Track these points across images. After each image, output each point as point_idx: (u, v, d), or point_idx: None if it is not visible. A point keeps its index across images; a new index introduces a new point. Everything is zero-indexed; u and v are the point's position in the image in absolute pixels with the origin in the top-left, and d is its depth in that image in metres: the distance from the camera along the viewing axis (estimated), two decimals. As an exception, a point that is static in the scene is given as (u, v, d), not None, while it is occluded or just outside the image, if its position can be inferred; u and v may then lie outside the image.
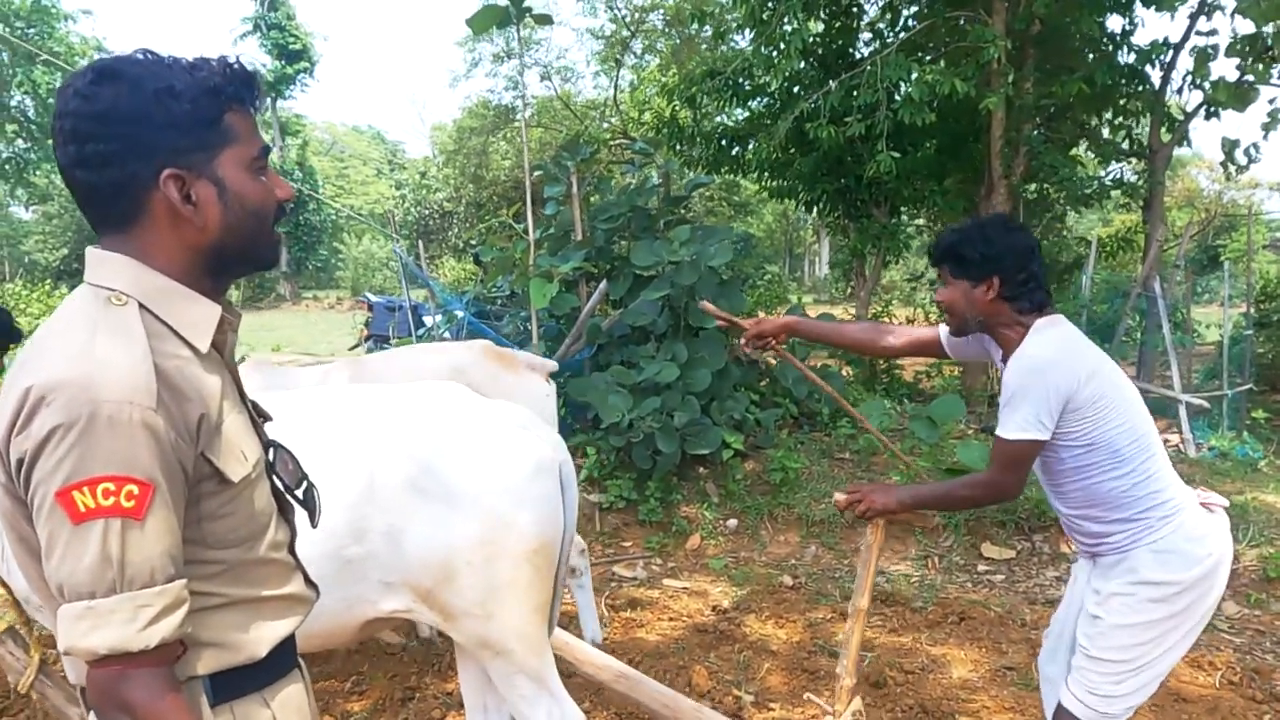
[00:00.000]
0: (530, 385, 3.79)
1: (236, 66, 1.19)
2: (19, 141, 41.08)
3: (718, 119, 9.24)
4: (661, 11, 13.39)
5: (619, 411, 5.53)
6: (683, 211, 7.27)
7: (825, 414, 6.75)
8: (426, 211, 26.09)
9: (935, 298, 2.48)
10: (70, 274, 34.58)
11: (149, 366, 1.08)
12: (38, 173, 38.66)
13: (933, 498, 2.53)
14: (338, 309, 31.29)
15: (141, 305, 1.15)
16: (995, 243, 2.28)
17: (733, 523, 5.72)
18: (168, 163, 1.14)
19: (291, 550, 1.37)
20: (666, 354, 5.90)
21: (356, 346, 12.80)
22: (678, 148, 8.95)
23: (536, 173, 6.93)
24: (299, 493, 1.42)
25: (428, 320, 7.26)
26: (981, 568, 5.21)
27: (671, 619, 4.60)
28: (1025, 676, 3.82)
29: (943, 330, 2.62)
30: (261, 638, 1.26)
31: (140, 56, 1.16)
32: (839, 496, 2.49)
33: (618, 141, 11.98)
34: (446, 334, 7.25)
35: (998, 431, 2.27)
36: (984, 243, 2.29)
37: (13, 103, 40.68)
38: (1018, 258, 2.28)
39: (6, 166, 41.43)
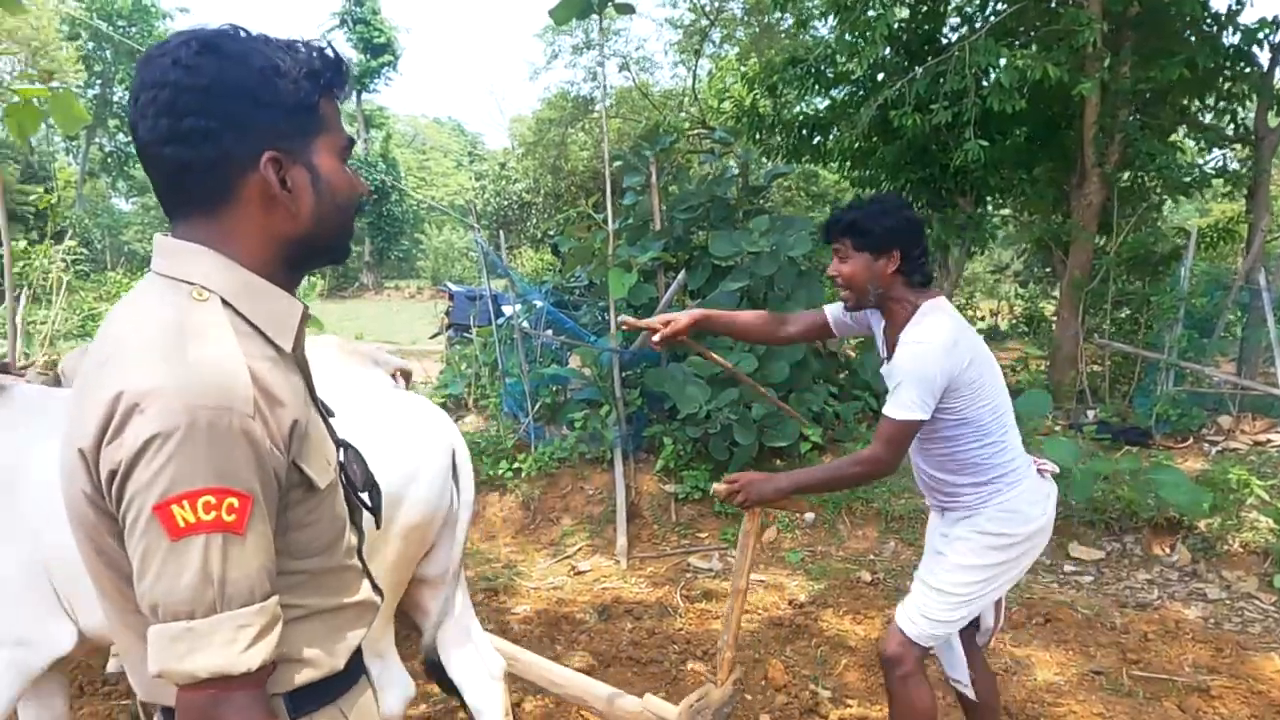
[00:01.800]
0: (379, 380, 3.80)
1: (330, 52, 1.14)
2: (120, 135, 42.95)
3: (798, 107, 9.11)
4: (741, 0, 13.28)
5: (696, 402, 5.52)
6: (761, 201, 7.19)
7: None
8: (505, 202, 26.41)
9: (832, 272, 2.54)
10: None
11: (244, 369, 1.01)
12: (138, 166, 40.31)
13: (815, 481, 2.64)
14: (418, 298, 31.92)
15: (224, 301, 1.08)
16: (896, 217, 2.43)
17: (810, 516, 5.65)
18: (269, 144, 1.08)
19: (360, 555, 1.30)
20: (744, 345, 5.85)
21: (437, 335, 13.01)
22: (757, 137, 8.86)
23: (616, 163, 6.94)
24: (365, 496, 1.36)
25: (507, 310, 7.33)
26: (1068, 568, 5.05)
27: (747, 611, 4.56)
28: (1115, 682, 3.70)
29: (830, 311, 2.77)
30: (340, 649, 1.21)
31: (238, 32, 1.10)
32: (718, 486, 2.55)
33: (696, 131, 11.92)
34: (525, 323, 7.33)
35: (885, 410, 2.41)
36: (886, 216, 2.43)
37: (115, 98, 42.54)
38: (915, 233, 2.45)
39: (109, 160, 43.37)
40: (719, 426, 5.48)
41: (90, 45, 38.05)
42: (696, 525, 5.67)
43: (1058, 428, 6.80)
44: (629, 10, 5.77)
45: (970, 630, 2.71)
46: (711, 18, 12.86)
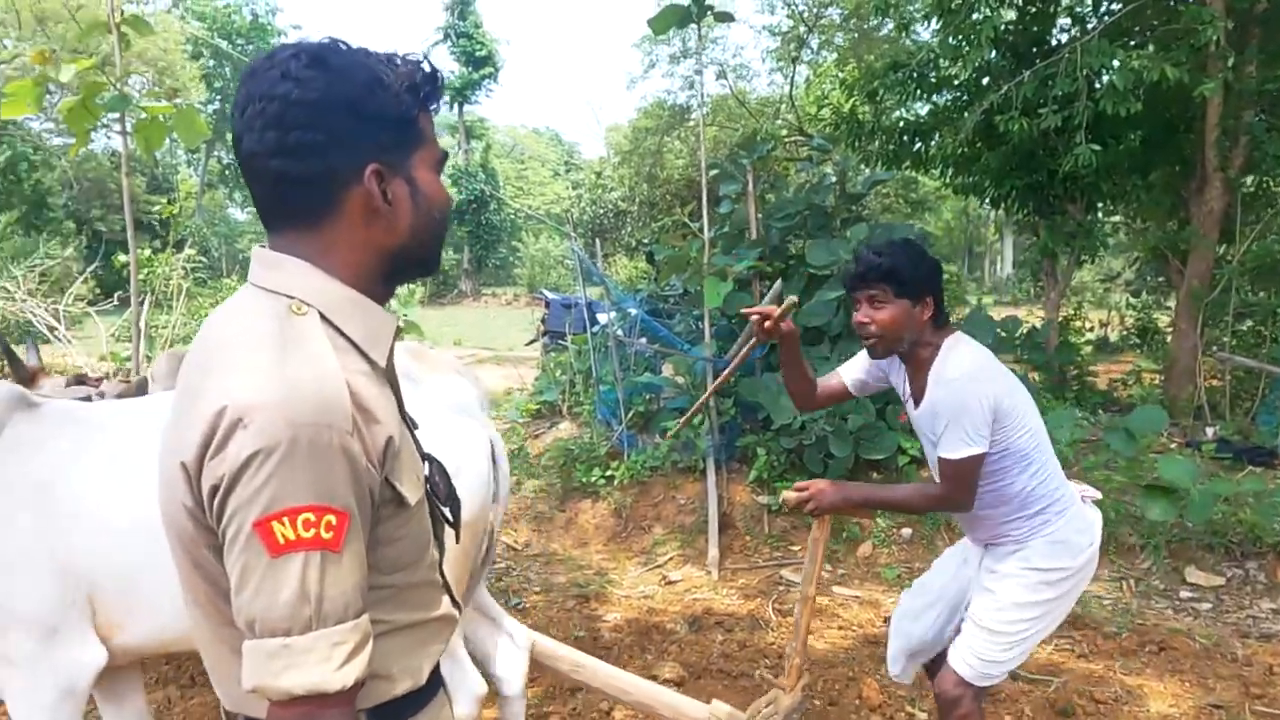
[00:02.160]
0: (458, 386, 3.81)
1: (428, 66, 1.15)
2: (238, 149, 44.87)
3: (898, 113, 8.92)
4: (839, 6, 13.09)
5: (790, 414, 5.45)
6: (859, 209, 7.07)
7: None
8: (601, 211, 26.67)
9: (863, 319, 2.40)
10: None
11: (343, 386, 1.02)
12: (252, 177, 42.07)
13: (887, 501, 2.64)
14: (515, 305, 32.48)
15: (322, 315, 1.08)
16: (929, 261, 2.42)
17: (907, 531, 5.52)
18: (372, 157, 1.09)
19: (440, 570, 1.30)
20: (842, 355, 5.75)
21: (533, 341, 13.21)
22: (856, 144, 8.70)
23: (712, 171, 6.92)
24: (447, 510, 1.36)
25: (602, 318, 7.39)
26: (1185, 594, 4.79)
27: (841, 627, 4.49)
28: (1235, 717, 3.49)
29: (844, 374, 2.71)
30: (422, 664, 1.21)
31: (343, 45, 1.11)
32: (788, 494, 2.52)
33: (793, 139, 11.81)
34: (620, 331, 7.37)
35: (940, 453, 2.35)
36: (923, 261, 2.39)
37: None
38: (940, 274, 2.43)
39: (226, 172, 45.51)
40: (814, 438, 5.40)
41: (211, 63, 40.01)
42: (789, 538, 5.59)
43: (1173, 445, 6.48)
44: (728, 18, 5.77)
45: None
46: (810, 24, 12.73)
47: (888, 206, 14.77)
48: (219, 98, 43.36)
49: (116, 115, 5.89)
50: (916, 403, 2.50)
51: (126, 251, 5.10)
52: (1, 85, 5.29)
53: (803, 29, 13.21)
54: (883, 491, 2.62)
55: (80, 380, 3.76)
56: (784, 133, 11.90)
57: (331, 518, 0.97)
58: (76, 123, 6.07)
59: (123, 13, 6.95)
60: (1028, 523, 2.47)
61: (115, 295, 8.55)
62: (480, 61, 36.96)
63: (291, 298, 1.08)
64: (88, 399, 3.09)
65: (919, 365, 2.45)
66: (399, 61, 1.13)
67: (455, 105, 37.96)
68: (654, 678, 3.90)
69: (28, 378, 3.41)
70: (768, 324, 2.47)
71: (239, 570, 0.97)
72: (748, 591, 4.96)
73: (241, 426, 0.96)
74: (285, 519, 0.95)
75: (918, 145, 8.84)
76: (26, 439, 2.20)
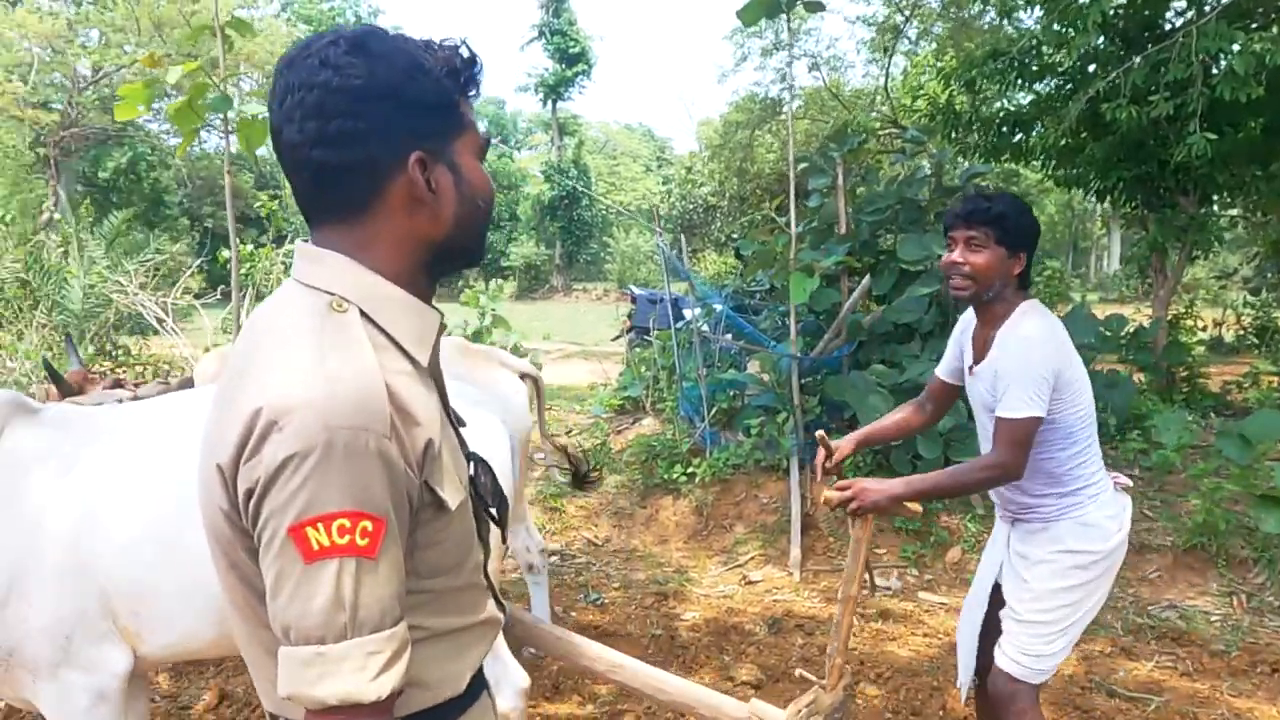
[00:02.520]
0: (502, 381, 3.72)
1: (466, 50, 1.11)
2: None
3: (998, 103, 8.58)
4: (939, -7, 12.72)
5: (878, 412, 5.29)
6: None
7: (1112, 424, 6.09)
8: (690, 206, 26.61)
9: (957, 259, 2.40)
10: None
11: (382, 387, 0.99)
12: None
13: (937, 487, 2.48)
14: (605, 300, 32.68)
15: (362, 312, 1.05)
16: (1033, 217, 2.43)
17: (1000, 537, 5.30)
18: (416, 145, 1.06)
19: (485, 571, 1.27)
20: (932, 353, 5.58)
21: (619, 337, 13.24)
22: (952, 135, 8.41)
23: (802, 165, 6.79)
24: (494, 510, 1.32)
25: (687, 313, 7.34)
26: (1303, 613, 4.48)
27: (926, 635, 4.34)
28: (1360, 749, 3.23)
29: (940, 373, 2.73)
30: (462, 671, 1.19)
31: (379, 31, 1.07)
32: (828, 493, 2.46)
33: (887, 131, 11.53)
34: (705, 326, 7.30)
35: (1000, 412, 2.33)
36: (1027, 215, 2.41)
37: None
38: (1037, 237, 2.45)
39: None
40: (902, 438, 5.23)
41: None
42: (875, 540, 5.44)
43: (1294, 453, 6.07)
44: (819, 8, 5.63)
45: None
46: (906, 13, 12.38)
47: (987, 200, 14.25)
48: (323, 98, 44.70)
49: (222, 115, 6.14)
50: (977, 362, 2.49)
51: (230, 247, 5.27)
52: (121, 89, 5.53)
53: (899, 18, 12.87)
54: (929, 479, 2.48)
55: (118, 384, 3.82)
56: (877, 125, 11.64)
57: (367, 524, 0.95)
58: (183, 123, 6.31)
59: (231, 15, 7.21)
60: (1059, 501, 2.46)
61: (219, 289, 8.87)
62: (574, 58, 37.25)
63: (332, 294, 1.05)
64: (120, 402, 3.12)
65: (991, 321, 2.45)
66: (437, 46, 1.10)
67: (549, 102, 38.38)
68: (731, 680, 3.85)
69: (74, 390, 3.45)
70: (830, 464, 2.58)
71: (274, 575, 0.95)
72: (830, 594, 4.84)
73: (277, 429, 0.93)
74: (320, 524, 0.93)
75: (1018, 136, 8.49)
76: (26, 446, 2.16)
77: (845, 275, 6.17)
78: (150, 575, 2.14)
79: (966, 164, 8.21)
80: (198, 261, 10.25)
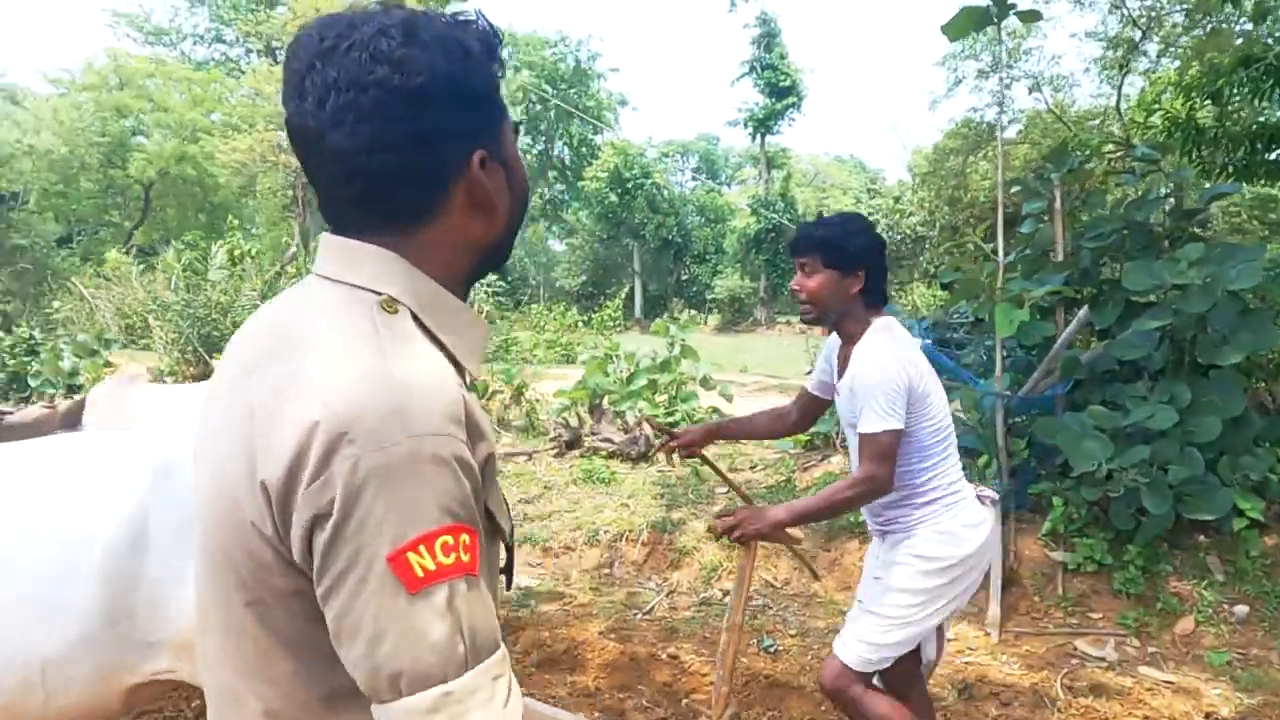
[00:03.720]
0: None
1: (486, 22, 0.98)
2: (558, 185, 48.72)
3: (1250, 117, 7.60)
4: (1181, 2, 11.52)
5: (1094, 459, 4.72)
6: (1195, 228, 6.06)
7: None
8: (899, 236, 25.66)
9: (795, 286, 2.58)
10: (586, 296, 39.89)
11: (458, 391, 0.88)
12: (568, 211, 45.42)
13: (813, 510, 2.60)
14: (807, 333, 32.07)
15: (414, 315, 0.94)
16: (867, 236, 2.54)
17: (1242, 609, 4.58)
18: (477, 141, 0.95)
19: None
20: (1163, 395, 4.93)
21: (811, 371, 12.82)
22: (1193, 153, 7.52)
23: (1014, 188, 6.27)
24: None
25: (884, 345, 6.93)
26: None
27: (1147, 717, 3.77)
28: None
29: (808, 384, 2.88)
30: None
31: (418, 11, 0.94)
32: (713, 523, 2.60)
33: (1117, 153, 10.51)
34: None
35: (861, 429, 2.43)
36: (859, 235, 2.52)
37: (554, 152, 48.40)
38: (881, 254, 2.56)
39: (547, 207, 49.35)
40: (1123, 489, 4.63)
41: (537, 108, 43.51)
42: (1088, 603, 4.84)
43: None
44: (1035, 17, 5.18)
45: (914, 661, 2.69)
46: (1144, 27, 11.29)
47: (1237, 226, 12.76)
48: (544, 139, 47.12)
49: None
50: (839, 379, 2.62)
51: None
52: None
53: (1135, 33, 11.73)
54: (809, 504, 2.61)
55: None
56: (1102, 144, 10.64)
57: (466, 536, 0.84)
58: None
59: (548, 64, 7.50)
60: (916, 511, 2.56)
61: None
62: (784, 92, 37.13)
63: (379, 293, 0.93)
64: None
65: (848, 340, 2.58)
66: (469, 23, 0.97)
67: (758, 136, 38.41)
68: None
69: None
70: (671, 444, 2.81)
71: (369, 616, 0.82)
72: (1032, 661, 4.33)
73: (347, 441, 0.81)
74: (421, 547, 0.81)
75: (1275, 153, 7.50)
76: None
77: (1061, 307, 5.60)
78: None
79: (1210, 185, 7.34)
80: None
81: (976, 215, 14.70)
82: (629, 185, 37.95)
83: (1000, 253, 5.32)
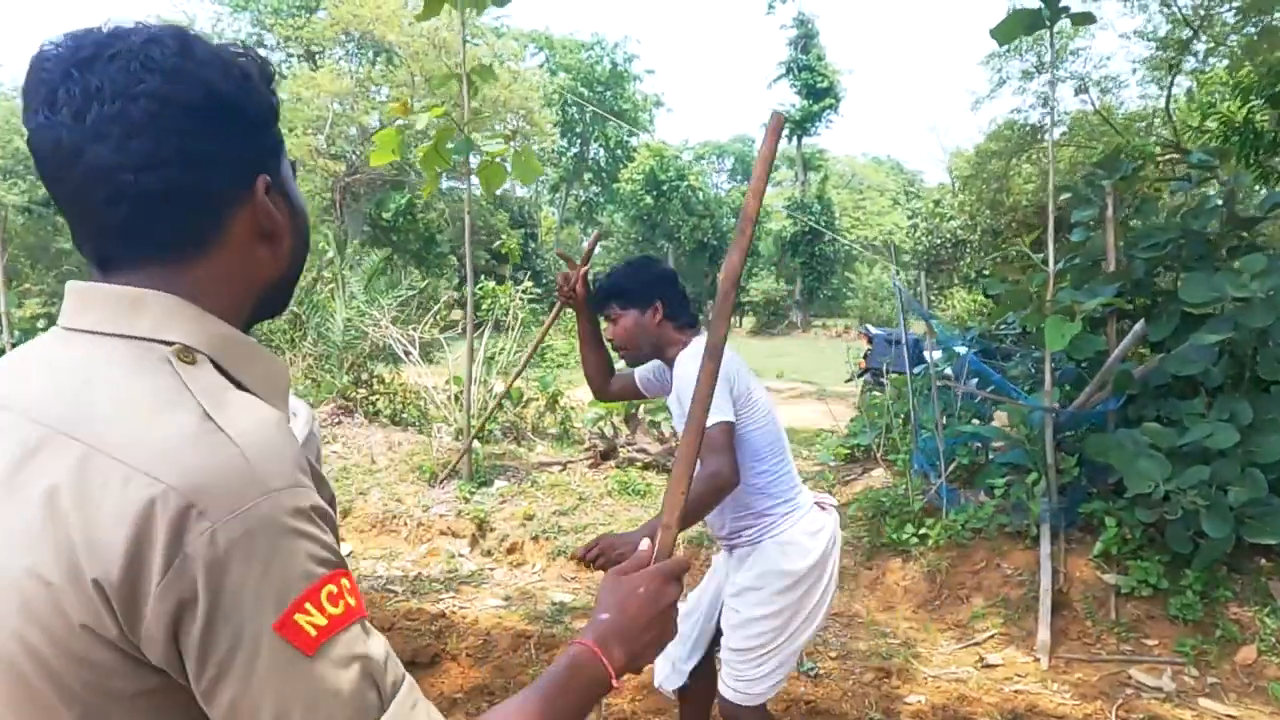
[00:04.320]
0: None
1: (258, 55, 0.92)
2: (593, 187, 48.78)
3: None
4: (1233, 2, 11.18)
5: (1150, 480, 4.53)
6: (1254, 237, 5.83)
7: None
8: (938, 241, 25.30)
9: (609, 336, 2.77)
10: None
11: (296, 439, 0.81)
12: (603, 214, 45.44)
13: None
14: (844, 337, 31.77)
15: (214, 363, 0.85)
16: (649, 271, 2.75)
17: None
18: (259, 166, 0.89)
19: None
20: (1222, 412, 4.73)
21: (852, 379, 12.64)
22: (1251, 158, 7.26)
23: (1064, 195, 6.08)
24: None
25: (927, 356, 6.77)
26: None
27: (1210, 752, 3.60)
28: None
29: (637, 373, 2.95)
30: None
31: (184, 28, 0.87)
32: (577, 549, 2.54)
33: (1168, 156, 10.23)
34: (948, 370, 6.71)
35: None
36: (642, 272, 2.73)
37: (589, 155, 48.48)
38: (670, 282, 2.73)
39: (582, 209, 49.41)
40: (1180, 511, 4.44)
41: (573, 110, 43.56)
42: (1142, 629, 4.65)
43: None
44: (1088, 20, 5.01)
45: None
46: (1195, 25, 10.96)
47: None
48: (579, 140, 47.19)
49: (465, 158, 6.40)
50: (668, 394, 2.75)
51: (480, 283, 5.45)
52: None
53: (1186, 32, 11.40)
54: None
55: None
56: (1156, 149, 10.35)
57: (345, 580, 0.79)
58: (429, 166, 6.66)
59: (478, 63, 7.57)
60: (757, 521, 2.64)
61: (458, 324, 9.37)
62: (821, 93, 36.93)
63: (170, 343, 0.83)
64: None
65: (670, 363, 2.70)
66: (240, 49, 0.90)
67: (794, 138, 38.18)
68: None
69: None
70: (570, 285, 2.82)
71: (272, 693, 0.74)
72: (1084, 690, 4.16)
73: (197, 515, 0.71)
74: (308, 604, 0.75)
75: (1338, 158, 7.24)
76: None
77: (1114, 319, 5.40)
78: None
79: (1263, 191, 7.07)
80: (444, 298, 10.91)
81: (1020, 220, 14.41)
82: (664, 187, 37.88)
83: (1051, 262, 5.15)
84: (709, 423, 2.30)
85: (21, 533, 0.75)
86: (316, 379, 8.59)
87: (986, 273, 13.37)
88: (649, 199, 38.07)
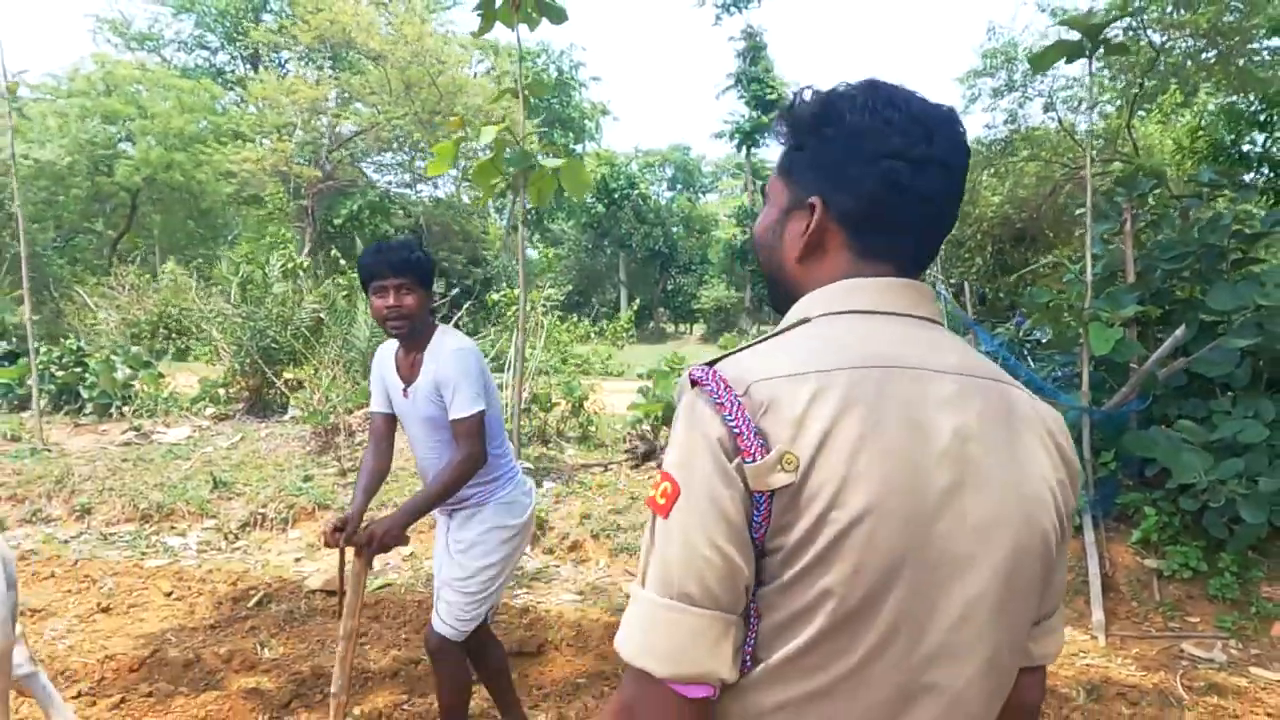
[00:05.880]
0: None
1: None
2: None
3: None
4: (1191, 28, 11.90)
5: (1195, 472, 4.98)
6: (1260, 251, 6.35)
7: None
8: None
9: (394, 304, 2.83)
10: (572, 307, 39.97)
11: None
12: (553, 221, 45.44)
13: (431, 501, 2.87)
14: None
15: None
16: (431, 260, 2.97)
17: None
18: None
19: None
20: (1247, 410, 5.21)
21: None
22: (1248, 177, 7.88)
23: (1079, 209, 6.53)
24: None
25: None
26: None
27: (1269, 715, 4.02)
28: None
29: (373, 408, 3.13)
30: None
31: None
32: (329, 535, 2.87)
33: (1184, 176, 10.86)
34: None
35: (454, 415, 2.82)
36: (426, 258, 2.93)
37: (538, 160, 48.31)
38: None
39: (529, 215, 49.12)
40: (1222, 499, 4.89)
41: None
42: (1185, 608, 5.09)
43: None
44: (1123, 51, 5.46)
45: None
46: (1157, 49, 11.63)
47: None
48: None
49: (518, 171, 6.60)
50: (409, 384, 2.92)
51: (474, 291, 5.63)
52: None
53: (1150, 52, 12.06)
54: (421, 499, 2.85)
55: None
56: (1113, 167, 10.98)
57: None
58: (483, 178, 6.85)
59: (534, 76, 7.67)
60: (487, 487, 2.99)
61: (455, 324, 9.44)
62: (769, 105, 37.49)
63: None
64: None
65: (417, 347, 2.93)
66: None
67: (744, 148, 38.80)
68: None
69: None
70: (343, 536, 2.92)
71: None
72: (1145, 663, 4.56)
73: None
74: None
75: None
76: None
77: (1133, 326, 5.86)
78: None
79: (1256, 210, 7.66)
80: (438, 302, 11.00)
81: (985, 230, 15.09)
82: (615, 195, 38.15)
83: (1089, 272, 5.58)
84: (471, 411, 2.81)
85: (1020, 464, 1.02)
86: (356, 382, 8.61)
87: (953, 281, 13.97)
88: (600, 207, 38.30)
